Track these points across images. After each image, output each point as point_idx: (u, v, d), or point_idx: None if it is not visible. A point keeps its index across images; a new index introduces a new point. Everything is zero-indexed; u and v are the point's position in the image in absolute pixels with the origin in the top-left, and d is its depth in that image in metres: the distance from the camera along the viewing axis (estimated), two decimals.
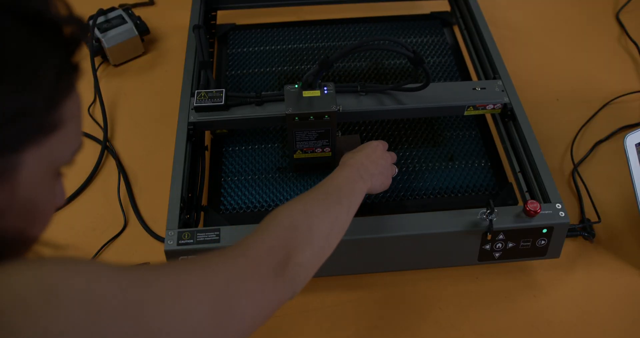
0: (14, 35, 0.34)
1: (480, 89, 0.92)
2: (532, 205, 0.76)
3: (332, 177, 0.70)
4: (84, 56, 0.39)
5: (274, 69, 1.10)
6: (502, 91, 0.92)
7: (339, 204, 0.64)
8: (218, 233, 0.75)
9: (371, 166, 0.75)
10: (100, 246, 0.90)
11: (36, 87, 0.35)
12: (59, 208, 0.44)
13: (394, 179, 0.91)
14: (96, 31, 1.14)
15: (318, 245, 0.59)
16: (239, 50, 1.15)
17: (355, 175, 0.71)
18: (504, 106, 0.91)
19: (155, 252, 0.90)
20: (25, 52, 0.34)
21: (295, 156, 0.89)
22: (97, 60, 1.18)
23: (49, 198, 0.41)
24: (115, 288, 0.38)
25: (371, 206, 0.89)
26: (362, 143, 0.97)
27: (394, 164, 0.84)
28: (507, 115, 0.92)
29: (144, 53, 1.22)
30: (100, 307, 0.36)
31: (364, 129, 0.99)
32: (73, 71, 0.38)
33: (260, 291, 0.50)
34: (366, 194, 0.75)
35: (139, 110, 1.11)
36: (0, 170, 0.35)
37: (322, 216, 0.61)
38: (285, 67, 1.10)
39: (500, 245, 0.79)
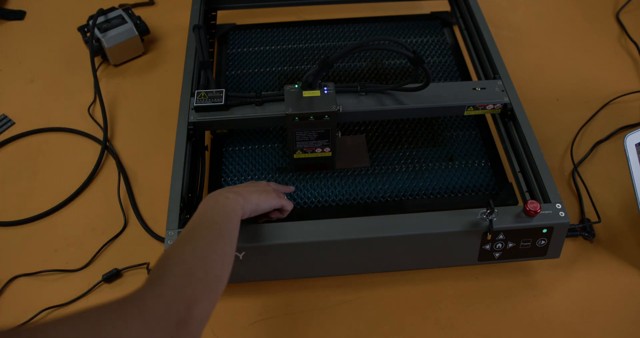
0: None
1: (480, 89, 0.92)
2: (532, 205, 0.76)
3: (198, 213, 0.67)
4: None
5: (274, 69, 1.10)
6: (502, 91, 0.92)
7: (221, 237, 0.63)
8: None
9: (235, 188, 0.74)
10: (100, 246, 0.90)
11: None
12: None
13: (394, 179, 0.91)
14: (96, 31, 1.13)
15: (215, 290, 0.57)
16: (239, 50, 1.15)
17: (215, 202, 0.69)
18: (504, 106, 0.91)
19: (155, 252, 0.90)
20: None
21: (295, 156, 0.89)
22: (97, 60, 1.18)
23: None
24: None
25: (371, 206, 0.89)
26: (366, 143, 0.97)
27: (286, 196, 0.82)
28: (507, 115, 0.92)
29: (144, 53, 1.22)
30: None
31: (364, 129, 0.99)
32: None
33: None
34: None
35: (139, 110, 1.11)
36: None
37: (212, 255, 0.59)
38: (285, 67, 1.10)
39: (500, 245, 0.79)
